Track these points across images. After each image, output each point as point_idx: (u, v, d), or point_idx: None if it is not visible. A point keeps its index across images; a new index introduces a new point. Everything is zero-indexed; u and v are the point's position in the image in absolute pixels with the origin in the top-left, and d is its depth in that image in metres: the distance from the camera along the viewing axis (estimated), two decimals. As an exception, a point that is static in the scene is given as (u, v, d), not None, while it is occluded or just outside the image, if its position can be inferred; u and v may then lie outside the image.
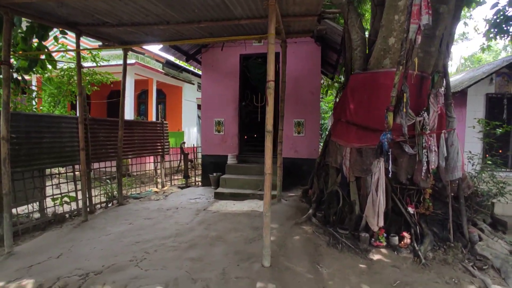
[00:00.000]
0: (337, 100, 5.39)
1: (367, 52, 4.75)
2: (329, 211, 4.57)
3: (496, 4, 6.23)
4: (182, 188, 7.83)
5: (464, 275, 3.52)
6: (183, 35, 5.05)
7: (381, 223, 3.76)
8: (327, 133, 5.64)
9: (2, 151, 3.55)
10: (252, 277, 3.05)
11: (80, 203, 5.71)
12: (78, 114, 4.96)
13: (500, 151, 6.47)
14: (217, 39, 4.86)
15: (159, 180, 8.18)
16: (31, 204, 5.21)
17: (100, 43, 6.05)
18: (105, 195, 6.45)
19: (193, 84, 13.41)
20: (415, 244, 3.92)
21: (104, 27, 4.47)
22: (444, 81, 4.20)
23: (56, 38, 4.57)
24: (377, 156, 3.82)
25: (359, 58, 4.71)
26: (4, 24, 3.39)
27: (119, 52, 9.71)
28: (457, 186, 4.27)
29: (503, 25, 6.22)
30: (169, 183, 8.45)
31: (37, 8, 3.73)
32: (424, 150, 3.99)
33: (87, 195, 5.26)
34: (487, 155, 5.87)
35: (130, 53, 9.03)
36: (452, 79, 8.72)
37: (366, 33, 5.18)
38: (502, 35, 6.26)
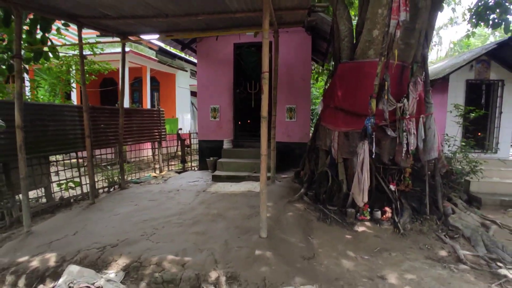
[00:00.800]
0: (327, 87, 5.74)
1: (354, 42, 5.08)
2: (319, 190, 5.00)
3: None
4: (179, 172, 8.17)
5: (436, 242, 4.02)
6: (181, 26, 5.28)
7: (366, 199, 4.20)
8: (317, 118, 6.01)
9: (18, 139, 3.82)
10: (251, 246, 3.46)
11: (84, 188, 6.05)
12: (80, 103, 5.21)
13: (480, 134, 6.98)
14: (212, 34, 5.17)
15: (157, 165, 8.50)
16: (39, 189, 5.53)
17: (98, 33, 6.19)
18: (106, 181, 6.76)
19: (186, 71, 13.55)
20: (396, 217, 4.40)
21: (105, 19, 4.68)
22: (423, 70, 4.57)
23: (58, 30, 4.76)
24: (362, 139, 4.23)
25: (346, 48, 5.04)
26: (15, 19, 3.61)
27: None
28: (433, 166, 4.73)
29: (484, 14, 6.60)
30: (166, 168, 8.78)
31: (43, 2, 3.94)
32: (404, 133, 4.41)
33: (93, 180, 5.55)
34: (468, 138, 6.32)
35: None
36: (436, 66, 9.14)
37: (355, 22, 5.49)
38: (483, 23, 6.64)
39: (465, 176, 5.38)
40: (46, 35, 4.62)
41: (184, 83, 13.75)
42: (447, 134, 5.75)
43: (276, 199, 5.01)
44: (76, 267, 3.23)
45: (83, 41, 7.13)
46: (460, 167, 5.35)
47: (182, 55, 12.83)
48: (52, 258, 3.39)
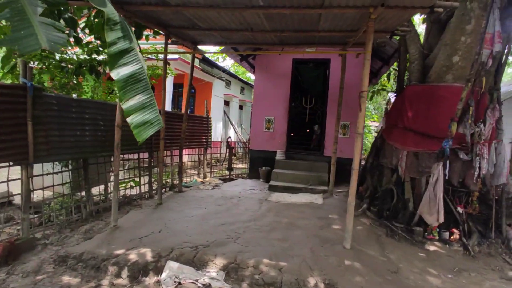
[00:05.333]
0: (390, 106, 5.90)
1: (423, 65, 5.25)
2: (383, 206, 5.11)
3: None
4: (224, 180, 8.34)
5: (504, 264, 4.11)
6: (255, 40, 5.56)
7: (442, 220, 4.29)
8: (376, 135, 6.15)
9: (116, 137, 4.07)
10: (338, 256, 3.59)
11: (142, 188, 6.27)
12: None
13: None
14: (289, 51, 5.34)
15: (201, 171, 8.70)
16: (103, 185, 5.74)
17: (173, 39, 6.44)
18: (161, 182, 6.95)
19: (223, 80, 13.89)
20: (464, 239, 4.47)
21: (192, 30, 4.96)
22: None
23: (147, 38, 5.07)
24: (438, 160, 4.35)
25: (416, 71, 5.22)
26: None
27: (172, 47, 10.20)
28: (501, 191, 4.81)
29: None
30: (209, 175, 8.97)
31: (149, 14, 4.25)
32: (477, 157, 4.52)
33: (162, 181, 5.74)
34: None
35: (174, 48, 9.48)
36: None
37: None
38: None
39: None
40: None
41: (219, 91, 14.08)
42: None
43: (340, 212, 5.14)
44: (175, 263, 3.39)
45: (153, 48, 7.52)
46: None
47: (219, 64, 13.27)
48: (148, 253, 3.56)
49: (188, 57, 10.90)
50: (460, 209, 4.72)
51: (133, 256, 3.52)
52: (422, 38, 5.80)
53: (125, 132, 5.53)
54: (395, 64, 7.39)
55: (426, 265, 3.87)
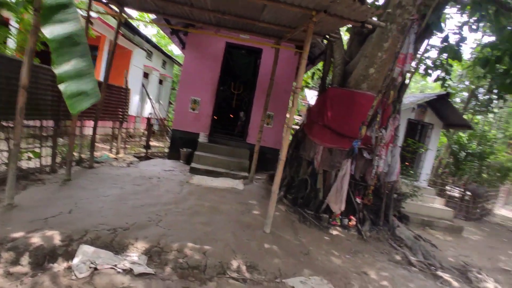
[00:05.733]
0: (307, 103, 6.40)
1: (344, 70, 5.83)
2: (298, 195, 5.59)
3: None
4: (139, 158, 7.84)
5: (391, 249, 4.97)
6: (192, 16, 5.31)
7: (343, 208, 4.93)
8: (298, 128, 6.62)
9: (20, 101, 3.43)
10: (258, 240, 3.83)
11: (43, 160, 5.46)
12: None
13: (407, 163, 8.52)
14: (224, 35, 5.24)
15: (114, 146, 8.00)
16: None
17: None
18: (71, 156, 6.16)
19: (144, 50, 12.83)
20: (359, 226, 5.26)
21: (124, -9, 4.46)
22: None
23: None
24: (348, 157, 4.96)
25: (338, 75, 5.77)
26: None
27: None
28: (391, 187, 5.77)
29: (428, 70, 8.19)
30: (122, 151, 8.32)
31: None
32: (376, 157, 5.31)
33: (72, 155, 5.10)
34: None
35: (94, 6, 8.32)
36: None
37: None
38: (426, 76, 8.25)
39: (407, 198, 6.64)
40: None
41: (139, 62, 12.98)
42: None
43: (259, 199, 5.44)
44: (90, 247, 3.14)
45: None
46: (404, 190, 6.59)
47: (141, 32, 12.20)
48: (56, 236, 3.19)
49: (108, 17, 9.70)
50: (358, 200, 5.50)
51: (36, 240, 3.09)
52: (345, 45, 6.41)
53: (31, 95, 4.73)
54: (320, 64, 8.00)
55: (330, 247, 4.43)
